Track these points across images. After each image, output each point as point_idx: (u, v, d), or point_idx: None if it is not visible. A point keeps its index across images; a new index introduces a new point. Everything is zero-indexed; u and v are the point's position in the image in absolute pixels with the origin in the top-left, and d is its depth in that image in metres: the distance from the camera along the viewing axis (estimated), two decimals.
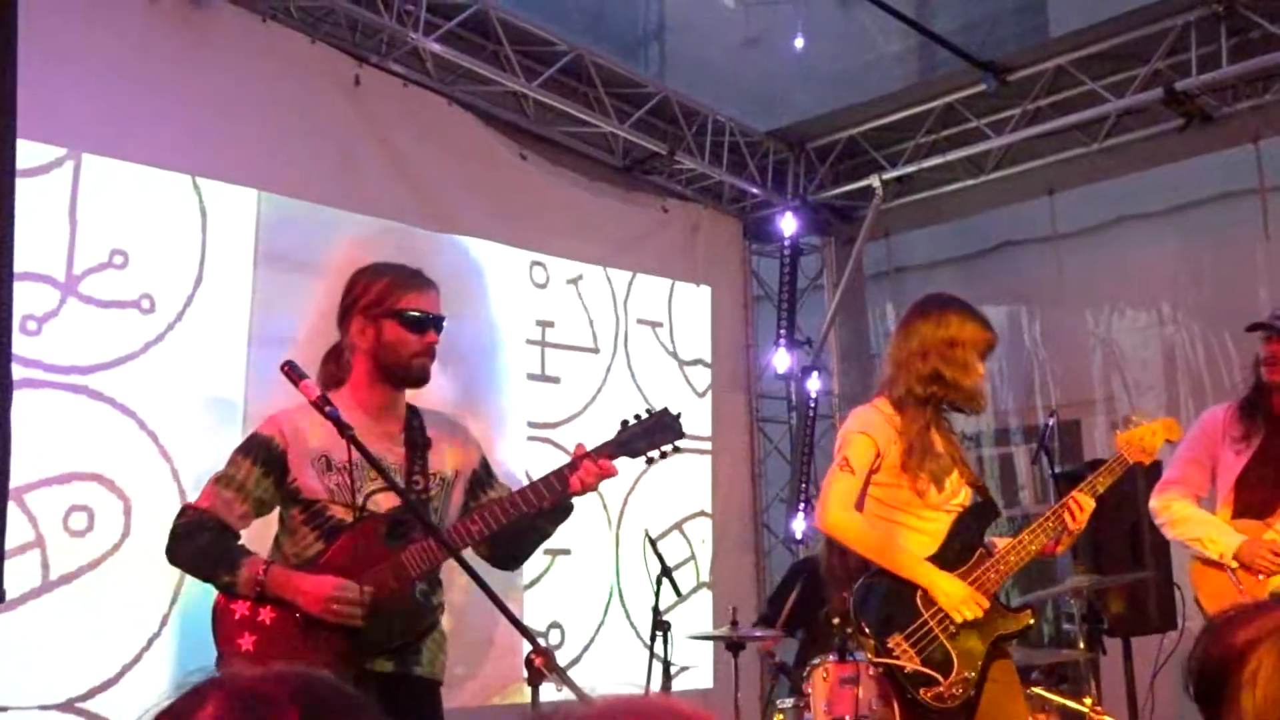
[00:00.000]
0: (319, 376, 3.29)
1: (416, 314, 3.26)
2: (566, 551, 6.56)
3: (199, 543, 3.15)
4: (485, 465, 3.48)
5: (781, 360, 7.87)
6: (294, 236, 5.59)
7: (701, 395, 7.58)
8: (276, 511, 3.29)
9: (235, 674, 1.08)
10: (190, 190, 5.32)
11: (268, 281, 5.47)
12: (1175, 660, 4.78)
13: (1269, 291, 5.95)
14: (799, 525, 7.36)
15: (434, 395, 6.03)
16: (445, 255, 6.32)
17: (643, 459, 3.33)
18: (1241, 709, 1.09)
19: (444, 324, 3.34)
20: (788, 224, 7.83)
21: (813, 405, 7.76)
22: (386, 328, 3.24)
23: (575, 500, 3.30)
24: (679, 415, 3.36)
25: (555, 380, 6.76)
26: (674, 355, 7.49)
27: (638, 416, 3.34)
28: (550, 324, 6.78)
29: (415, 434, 3.33)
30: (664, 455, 3.34)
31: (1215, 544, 4.07)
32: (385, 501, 3.20)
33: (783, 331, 7.82)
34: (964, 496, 3.84)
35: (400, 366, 3.25)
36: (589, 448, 3.24)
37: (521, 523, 3.21)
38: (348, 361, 3.32)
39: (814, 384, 7.82)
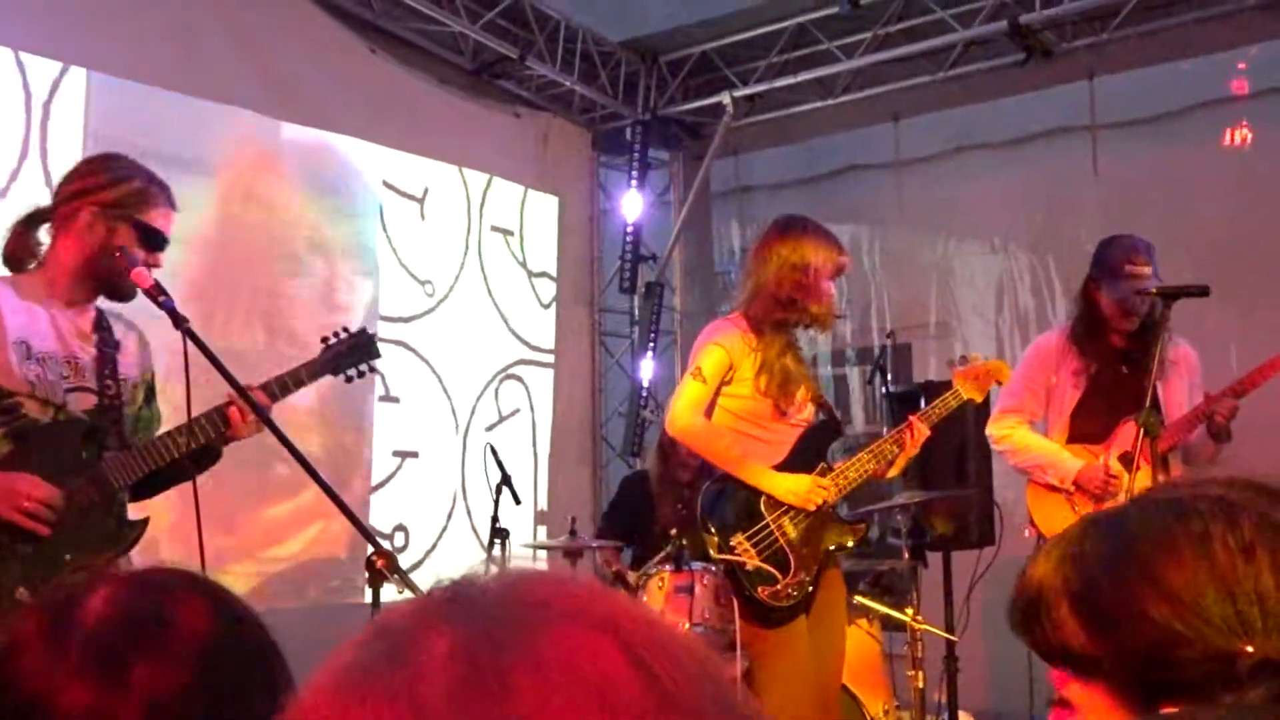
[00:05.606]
0: (6, 247, 3.00)
1: (157, 232, 2.99)
2: (415, 455, 6.53)
3: None
4: (153, 376, 3.25)
5: (631, 205, 7.80)
6: (129, 121, 5.31)
7: (546, 307, 7.56)
8: None
9: (128, 569, 1.08)
10: (13, 67, 5.01)
11: None
12: (991, 574, 5.03)
13: (1094, 226, 6.18)
14: (647, 366, 7.64)
15: (289, 294, 5.91)
16: (298, 145, 6.13)
17: (342, 377, 3.30)
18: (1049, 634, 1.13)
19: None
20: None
21: (655, 321, 7.79)
22: (121, 233, 2.93)
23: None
24: (375, 335, 3.33)
25: (408, 279, 6.66)
26: (523, 265, 7.43)
27: (337, 335, 3.28)
28: (402, 223, 6.64)
29: (106, 334, 3.06)
30: (360, 375, 3.32)
31: (1054, 470, 4.28)
32: (78, 402, 2.95)
33: (633, 180, 7.79)
34: (809, 413, 4.01)
35: (117, 276, 2.94)
36: None
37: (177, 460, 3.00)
38: (53, 244, 2.99)
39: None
